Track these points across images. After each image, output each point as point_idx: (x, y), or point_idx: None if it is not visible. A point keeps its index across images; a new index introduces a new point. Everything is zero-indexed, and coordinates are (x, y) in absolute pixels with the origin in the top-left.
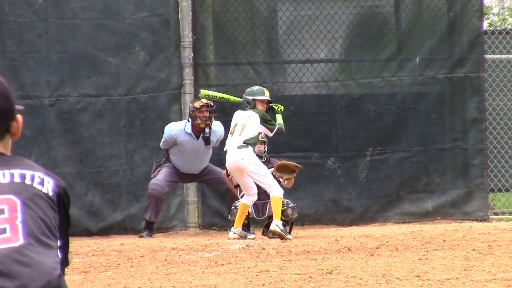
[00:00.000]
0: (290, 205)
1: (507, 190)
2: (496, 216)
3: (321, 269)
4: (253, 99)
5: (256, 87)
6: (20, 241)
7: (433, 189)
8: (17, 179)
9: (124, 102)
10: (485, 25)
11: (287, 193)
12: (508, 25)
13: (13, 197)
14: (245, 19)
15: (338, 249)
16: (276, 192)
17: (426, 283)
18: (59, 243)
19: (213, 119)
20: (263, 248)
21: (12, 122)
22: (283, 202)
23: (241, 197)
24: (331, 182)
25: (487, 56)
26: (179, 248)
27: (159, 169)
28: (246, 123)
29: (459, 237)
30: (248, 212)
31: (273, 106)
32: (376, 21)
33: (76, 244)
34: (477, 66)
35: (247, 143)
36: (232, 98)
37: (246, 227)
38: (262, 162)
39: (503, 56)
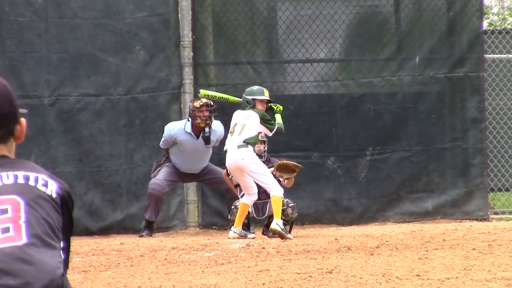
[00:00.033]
0: (290, 205)
1: (507, 190)
2: (496, 216)
3: (321, 269)
4: (253, 99)
5: (256, 87)
6: (23, 240)
7: (433, 188)
8: (21, 180)
9: (124, 102)
10: (485, 24)
11: (287, 192)
12: (508, 24)
13: (17, 198)
14: (245, 18)
15: (338, 249)
16: (276, 191)
17: (426, 283)
18: (62, 244)
19: (213, 118)
20: (263, 248)
21: (16, 126)
22: (283, 201)
23: (241, 196)
24: (331, 182)
25: (487, 56)
26: (179, 248)
27: (159, 168)
28: (246, 122)
29: (459, 236)
30: (248, 212)
31: (272, 106)
32: (376, 21)
33: (76, 243)
34: (477, 65)
35: (247, 142)
36: (232, 98)
37: (246, 226)
38: (262, 161)
39: (503, 55)
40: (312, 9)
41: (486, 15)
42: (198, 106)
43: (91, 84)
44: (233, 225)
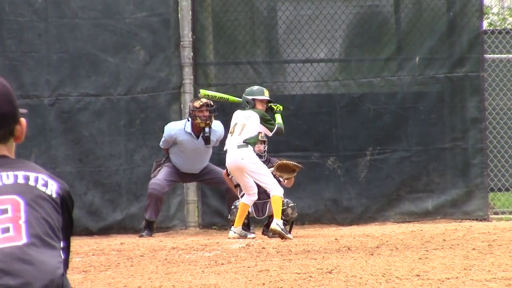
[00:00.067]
0: (290, 205)
1: (507, 190)
2: (496, 216)
3: (321, 269)
4: (253, 99)
5: (256, 87)
6: (23, 240)
7: (433, 188)
8: (21, 180)
9: (124, 102)
10: (485, 24)
11: (287, 192)
12: (508, 24)
13: (17, 198)
14: (245, 18)
15: (338, 249)
16: (276, 191)
17: (426, 283)
18: (62, 244)
19: (213, 118)
20: (263, 248)
21: (16, 126)
22: (283, 201)
23: (241, 196)
24: (331, 182)
25: (487, 56)
26: (179, 248)
27: (159, 168)
28: (246, 122)
29: (459, 236)
30: (248, 212)
31: (272, 106)
32: (376, 21)
33: (76, 243)
34: (477, 65)
35: (247, 142)
36: (232, 98)
37: (246, 226)
38: (262, 161)
39: (503, 55)
40: (312, 9)
41: (486, 15)
42: (198, 106)
43: (91, 84)
44: (233, 225)
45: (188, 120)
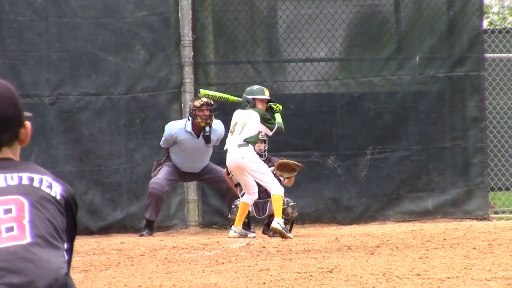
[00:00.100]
0: (290, 204)
1: (507, 189)
2: (496, 215)
3: (322, 268)
4: (253, 98)
5: (256, 86)
6: (28, 239)
7: (433, 188)
8: (25, 182)
9: (124, 101)
10: (485, 24)
11: (288, 191)
12: (508, 24)
13: (21, 198)
14: (245, 18)
15: (338, 248)
16: (277, 190)
17: (427, 282)
18: (65, 246)
19: (213, 117)
20: (264, 247)
21: (21, 129)
22: (283, 200)
23: (242, 195)
24: (331, 181)
25: (487, 55)
26: (179, 247)
27: (159, 168)
28: (246, 122)
29: (459, 235)
30: (249, 211)
31: (272, 105)
32: (376, 20)
33: (77, 242)
34: (477, 65)
35: (247, 141)
36: (232, 97)
37: (247, 225)
38: (263, 160)
39: (503, 55)
40: (312, 9)
41: (486, 14)
42: (198, 105)
43: (91, 84)
44: (233, 224)
45: (189, 119)
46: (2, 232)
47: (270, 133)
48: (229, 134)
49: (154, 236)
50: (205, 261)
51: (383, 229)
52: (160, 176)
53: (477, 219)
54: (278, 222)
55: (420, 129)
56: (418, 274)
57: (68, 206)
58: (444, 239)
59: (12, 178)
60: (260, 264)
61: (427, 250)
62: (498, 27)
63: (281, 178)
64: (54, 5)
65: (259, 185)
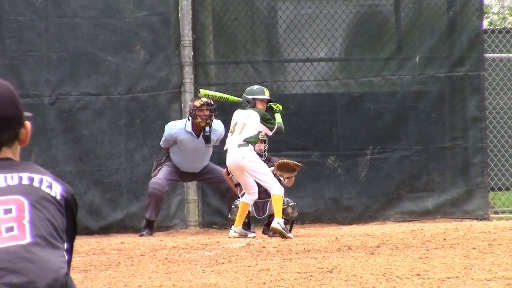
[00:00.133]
0: (290, 204)
1: (507, 189)
2: (496, 215)
3: (322, 268)
4: (253, 98)
5: (256, 87)
6: (27, 239)
7: (433, 187)
8: (25, 182)
9: (124, 101)
10: (485, 24)
11: (288, 191)
12: (508, 24)
13: (21, 198)
14: (245, 17)
15: (338, 248)
16: (277, 190)
17: (427, 282)
18: (65, 246)
19: (213, 117)
20: (264, 247)
21: (21, 129)
22: (283, 200)
23: (242, 195)
24: (331, 181)
25: (487, 55)
26: (179, 247)
27: (159, 168)
28: (247, 122)
29: (459, 235)
30: (249, 211)
31: (272, 105)
32: (376, 20)
33: (77, 242)
34: (477, 65)
35: (247, 141)
36: (232, 97)
37: (247, 225)
38: (263, 160)
39: (503, 55)
40: (312, 8)
41: (486, 14)
42: (198, 105)
43: (91, 83)
44: (233, 224)
45: (189, 119)
46: (2, 232)
47: (270, 133)
48: (229, 134)
49: (154, 236)
50: (205, 261)
51: (383, 229)
52: (160, 176)
53: (477, 219)
54: (278, 222)
55: (420, 129)
56: (418, 274)
57: (68, 206)
58: (444, 239)
59: (12, 178)
60: (260, 264)
61: (427, 250)
62: (498, 27)
63: (281, 178)
64: (54, 5)
65: (259, 185)
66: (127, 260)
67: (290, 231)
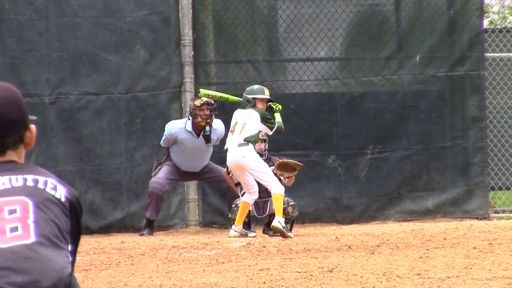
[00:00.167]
0: (290, 203)
1: (507, 188)
2: (496, 215)
3: (322, 267)
4: (253, 98)
5: (256, 86)
6: (32, 239)
7: (434, 187)
8: (30, 183)
9: (124, 100)
10: (486, 23)
11: (288, 191)
12: (508, 23)
13: (26, 199)
14: (245, 17)
15: (338, 247)
16: (277, 189)
17: (427, 281)
18: (70, 247)
19: (213, 117)
20: (264, 246)
21: (26, 132)
22: (283, 200)
23: (242, 195)
24: (331, 180)
25: (487, 55)
26: (179, 246)
27: (159, 167)
28: (247, 121)
29: (459, 235)
30: (249, 210)
31: (271, 105)
32: (376, 20)
33: None
34: (477, 64)
35: (247, 141)
36: (232, 97)
37: (247, 225)
38: (263, 160)
39: (504, 54)
40: (313, 8)
41: (487, 14)
42: (198, 104)
43: (91, 83)
44: (233, 223)
45: (189, 119)
46: (6, 232)
47: (270, 133)
48: (229, 134)
49: (154, 235)
50: (205, 260)
51: (384, 229)
52: (160, 175)
53: (477, 218)
54: (278, 221)
55: (421, 128)
56: (418, 274)
57: (73, 208)
58: (445, 239)
59: (17, 180)
60: (260, 263)
61: (428, 249)
62: (499, 27)
63: (282, 178)
64: (55, 4)
65: (259, 184)
66: (128, 260)
67: (290, 230)
